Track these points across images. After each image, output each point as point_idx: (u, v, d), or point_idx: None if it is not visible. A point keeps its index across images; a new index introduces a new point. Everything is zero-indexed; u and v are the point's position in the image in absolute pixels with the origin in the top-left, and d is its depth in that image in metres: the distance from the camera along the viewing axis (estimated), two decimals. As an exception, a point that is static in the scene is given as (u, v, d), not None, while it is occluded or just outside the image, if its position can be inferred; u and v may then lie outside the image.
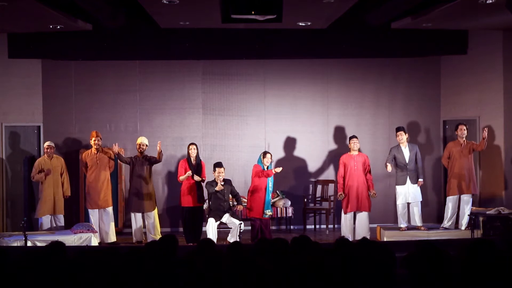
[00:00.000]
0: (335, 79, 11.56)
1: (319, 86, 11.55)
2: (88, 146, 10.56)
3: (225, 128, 11.48)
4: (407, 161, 9.88)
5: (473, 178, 10.00)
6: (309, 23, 10.03)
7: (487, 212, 9.54)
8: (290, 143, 11.54)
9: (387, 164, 9.83)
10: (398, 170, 9.96)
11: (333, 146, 11.55)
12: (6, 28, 10.22)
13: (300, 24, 10.04)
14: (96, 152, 9.91)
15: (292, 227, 11.20)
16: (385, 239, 9.59)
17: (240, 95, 11.47)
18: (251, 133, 11.50)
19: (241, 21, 9.20)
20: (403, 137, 9.94)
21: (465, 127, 10.03)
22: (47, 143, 10.08)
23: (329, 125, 11.56)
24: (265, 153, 9.78)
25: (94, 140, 9.90)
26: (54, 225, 9.94)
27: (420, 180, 9.94)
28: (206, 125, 11.46)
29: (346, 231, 9.92)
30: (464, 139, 10.01)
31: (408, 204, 9.99)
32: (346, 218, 9.97)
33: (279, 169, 9.65)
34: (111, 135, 11.03)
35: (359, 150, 10.10)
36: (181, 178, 9.80)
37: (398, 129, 10.06)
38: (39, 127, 11.01)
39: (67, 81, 11.19)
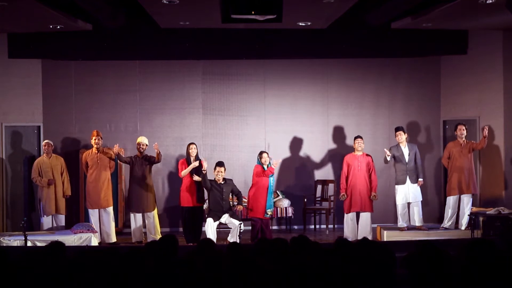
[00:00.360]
0: (335, 79, 11.56)
1: (319, 86, 11.55)
2: (88, 146, 10.56)
3: (225, 128, 11.48)
4: (407, 160, 9.89)
5: (473, 178, 10.01)
6: (309, 23, 10.03)
7: (487, 212, 9.54)
8: (290, 143, 11.54)
9: (386, 150, 9.82)
10: (397, 169, 9.97)
11: (333, 146, 11.55)
12: (6, 28, 10.22)
13: (300, 24, 10.04)
14: (96, 151, 9.92)
15: (292, 227, 11.19)
16: (385, 239, 9.60)
17: (240, 95, 11.47)
18: (251, 133, 11.49)
19: (241, 21, 9.19)
20: (402, 136, 9.95)
21: (464, 127, 10.04)
22: (45, 141, 10.12)
23: (329, 125, 11.56)
24: (261, 153, 9.79)
25: (95, 140, 9.90)
26: (55, 225, 9.95)
27: (420, 179, 9.94)
28: (206, 125, 11.46)
29: (348, 231, 9.93)
30: (463, 139, 10.01)
31: (408, 204, 9.99)
32: (348, 218, 9.98)
33: (277, 162, 9.67)
34: (111, 135, 11.02)
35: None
36: (183, 172, 9.75)
37: (397, 129, 10.07)
38: (39, 127, 11.00)
39: (67, 81, 11.19)
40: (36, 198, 10.45)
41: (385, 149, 9.89)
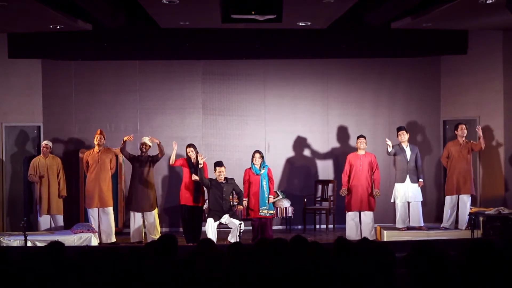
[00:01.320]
0: (335, 79, 11.56)
1: (319, 86, 11.55)
2: (88, 146, 10.57)
3: (225, 128, 11.48)
4: (408, 160, 9.89)
5: (470, 178, 9.99)
6: (309, 23, 10.03)
7: (487, 212, 9.54)
8: (290, 143, 11.54)
9: (387, 140, 9.80)
10: (398, 167, 9.98)
11: (333, 146, 11.55)
12: (6, 28, 10.22)
13: (300, 24, 10.04)
14: (98, 150, 9.91)
15: (292, 227, 11.18)
16: (385, 239, 9.60)
17: (240, 95, 11.47)
18: (251, 133, 11.49)
19: (241, 21, 9.18)
20: (405, 136, 9.96)
21: (465, 127, 10.06)
22: (44, 142, 10.16)
23: (329, 125, 11.56)
24: (253, 153, 9.78)
25: (97, 137, 9.91)
26: (53, 225, 9.95)
27: (420, 180, 9.94)
28: (206, 125, 11.46)
29: (349, 231, 9.92)
30: (464, 138, 10.02)
31: (408, 203, 9.98)
32: (349, 217, 9.99)
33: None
34: (111, 135, 11.00)
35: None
36: (171, 159, 9.77)
37: (400, 129, 10.07)
38: (39, 127, 11.00)
39: (67, 81, 11.19)
40: (34, 198, 10.46)
41: (386, 139, 9.88)
